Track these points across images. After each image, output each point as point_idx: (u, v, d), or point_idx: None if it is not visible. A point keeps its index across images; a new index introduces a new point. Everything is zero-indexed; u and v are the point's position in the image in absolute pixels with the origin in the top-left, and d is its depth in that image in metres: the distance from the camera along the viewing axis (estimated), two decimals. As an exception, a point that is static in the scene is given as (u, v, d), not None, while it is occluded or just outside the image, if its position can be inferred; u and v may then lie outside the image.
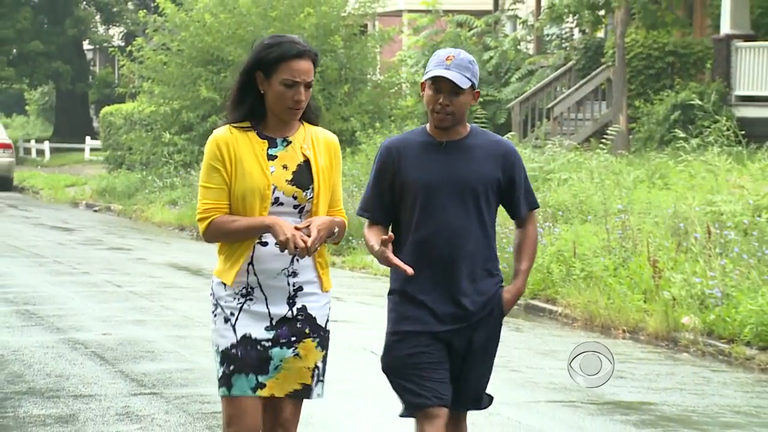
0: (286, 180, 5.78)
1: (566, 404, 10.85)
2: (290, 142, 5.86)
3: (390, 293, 6.13)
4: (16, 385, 10.79)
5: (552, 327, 15.61)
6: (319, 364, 5.87)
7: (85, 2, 49.89)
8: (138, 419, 10.17)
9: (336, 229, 5.86)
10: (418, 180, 5.96)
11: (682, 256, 14.93)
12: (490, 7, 34.71)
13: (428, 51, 30.67)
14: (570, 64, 30.38)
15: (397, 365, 6.04)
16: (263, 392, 5.81)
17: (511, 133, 27.87)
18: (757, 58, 25.75)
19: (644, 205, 18.20)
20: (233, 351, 5.77)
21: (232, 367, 5.76)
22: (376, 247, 5.89)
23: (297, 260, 5.81)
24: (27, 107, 62.40)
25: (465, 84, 5.89)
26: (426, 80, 5.93)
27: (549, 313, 16.40)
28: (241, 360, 5.76)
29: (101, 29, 51.94)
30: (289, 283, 5.80)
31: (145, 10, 37.27)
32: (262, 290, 5.81)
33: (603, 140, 24.76)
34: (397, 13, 36.40)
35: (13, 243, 22.34)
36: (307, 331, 5.82)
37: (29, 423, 9.50)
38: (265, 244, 5.75)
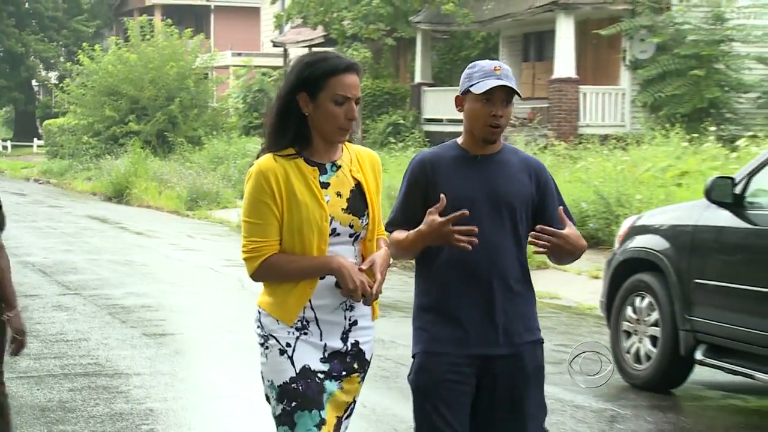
0: (342, 209, 3.35)
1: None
2: (339, 167, 3.39)
3: (421, 309, 3.63)
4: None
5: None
6: (357, 398, 3.56)
7: (33, 56, 49.59)
8: (66, 309, 9.76)
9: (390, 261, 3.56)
10: (456, 195, 3.51)
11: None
12: (282, 63, 35.51)
13: (247, 89, 31.89)
14: None
15: (426, 386, 3.55)
16: (325, 429, 3.39)
17: None
18: (435, 97, 25.61)
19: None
20: (293, 386, 3.34)
21: (294, 404, 3.34)
22: (424, 227, 3.42)
23: None
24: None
25: (519, 91, 3.54)
26: (474, 94, 3.49)
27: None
28: (303, 395, 3.34)
29: (43, 73, 51.56)
30: (345, 317, 3.42)
31: (71, 62, 37.94)
32: (318, 325, 3.38)
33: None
34: (226, 66, 36.28)
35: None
36: (355, 366, 3.47)
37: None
38: (322, 277, 3.35)
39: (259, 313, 3.40)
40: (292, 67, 3.34)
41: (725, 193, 6.48)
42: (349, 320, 3.40)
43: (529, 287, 3.62)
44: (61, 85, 33.73)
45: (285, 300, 3.32)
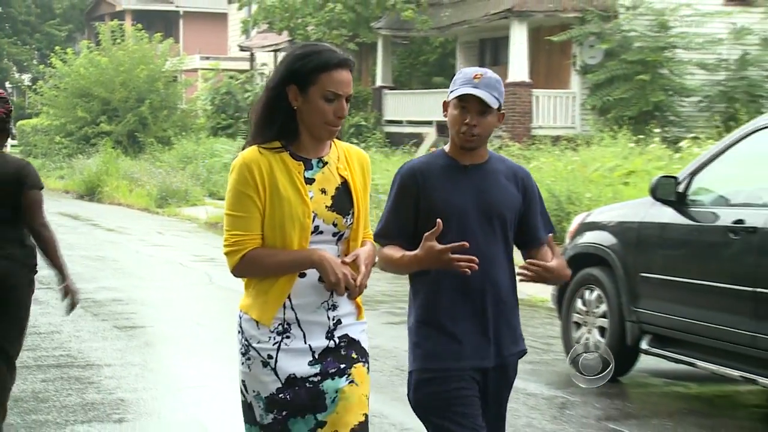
0: (326, 206, 3.05)
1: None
2: (326, 163, 3.09)
3: (416, 323, 3.38)
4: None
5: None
6: (369, 393, 3.16)
7: (6, 59, 49.03)
8: (39, 303, 9.24)
9: (376, 259, 3.25)
10: (448, 205, 3.30)
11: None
12: (248, 66, 35.31)
13: (215, 92, 31.71)
14: None
15: (431, 402, 3.32)
16: (325, 431, 3.07)
17: None
18: (395, 99, 25.92)
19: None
20: (281, 396, 3.03)
21: (285, 413, 3.04)
22: (422, 254, 3.16)
23: None
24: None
25: (494, 103, 3.30)
26: (452, 99, 3.31)
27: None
28: (293, 403, 3.04)
29: (17, 75, 50.98)
30: (329, 317, 3.08)
31: (43, 65, 37.59)
32: (300, 326, 3.05)
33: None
34: (195, 70, 36.18)
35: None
36: (354, 355, 3.12)
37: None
38: (302, 275, 3.04)
39: (240, 317, 3.09)
40: (284, 58, 3.06)
41: (669, 192, 6.53)
42: (333, 320, 3.08)
43: (516, 297, 3.44)
44: (34, 87, 33.62)
45: (264, 300, 3.02)
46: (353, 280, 2.98)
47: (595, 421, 6.03)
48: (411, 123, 24.79)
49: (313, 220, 3.01)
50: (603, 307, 7.08)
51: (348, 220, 3.07)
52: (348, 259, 3.01)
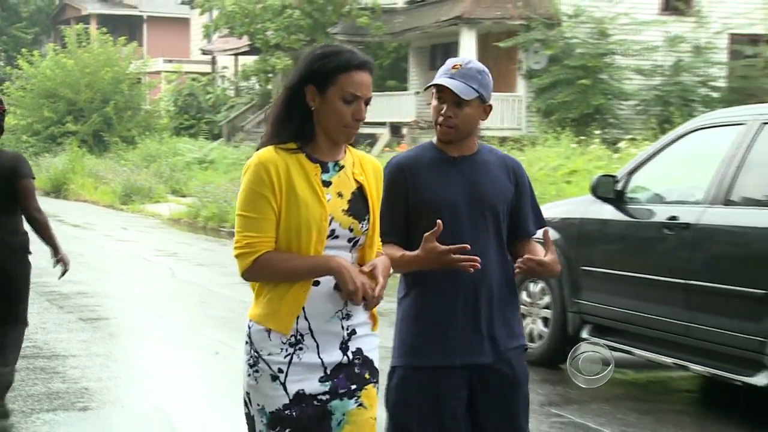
0: (343, 210, 2.77)
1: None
2: (342, 167, 2.82)
3: (404, 318, 3.13)
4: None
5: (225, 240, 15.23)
6: (376, 415, 2.86)
7: None
8: None
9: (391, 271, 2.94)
10: (438, 198, 3.06)
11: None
12: (210, 69, 35.03)
13: (177, 93, 31.56)
14: (254, 102, 30.24)
15: (408, 406, 3.05)
16: None
17: (221, 139, 28.60)
18: None
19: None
20: (287, 413, 2.74)
21: (288, 430, 2.74)
22: (423, 254, 2.93)
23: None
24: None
25: (469, 95, 3.00)
26: (431, 89, 3.08)
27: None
28: (297, 421, 2.74)
29: None
30: (343, 327, 2.78)
31: (10, 66, 37.06)
32: (313, 337, 2.75)
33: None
34: (158, 72, 35.78)
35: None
36: (367, 376, 2.82)
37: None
38: (317, 283, 2.74)
39: (250, 327, 2.77)
40: (304, 58, 2.79)
41: (608, 190, 6.57)
42: (347, 329, 2.78)
43: (512, 291, 3.16)
44: (1, 88, 32.92)
45: (278, 309, 2.72)
46: (371, 291, 2.70)
47: (538, 406, 6.04)
48: (366, 124, 24.63)
49: (330, 224, 2.73)
50: (546, 299, 7.11)
51: (363, 225, 2.80)
52: (366, 269, 2.74)
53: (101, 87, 29.54)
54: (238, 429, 5.45)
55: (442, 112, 3.04)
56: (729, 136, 6.01)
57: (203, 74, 33.96)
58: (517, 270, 3.06)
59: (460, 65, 3.03)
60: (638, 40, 20.73)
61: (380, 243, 2.92)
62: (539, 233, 3.19)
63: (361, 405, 2.79)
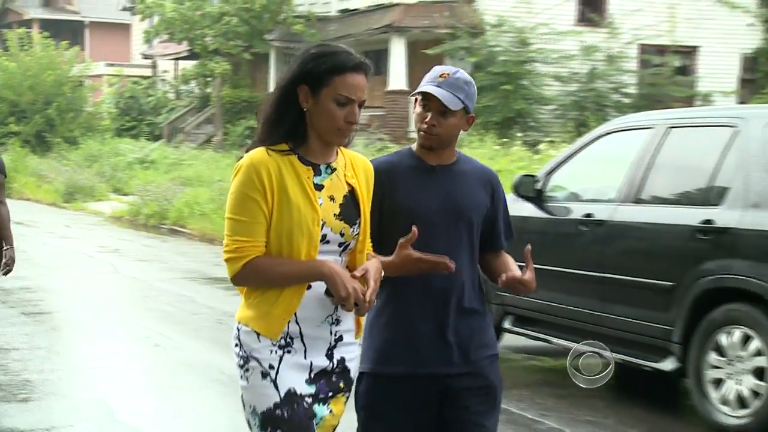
0: (335, 214, 2.58)
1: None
2: (334, 170, 2.62)
3: (373, 325, 2.90)
4: None
5: (182, 241, 15.22)
6: (339, 421, 2.73)
7: None
8: None
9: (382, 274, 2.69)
10: (413, 206, 2.84)
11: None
12: (151, 72, 34.52)
13: (119, 96, 31.01)
14: (193, 104, 29.54)
15: (376, 414, 2.86)
16: None
17: (162, 140, 28.08)
18: None
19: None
20: (278, 412, 2.54)
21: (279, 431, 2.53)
22: (397, 260, 2.72)
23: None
24: None
25: (455, 105, 2.82)
26: (416, 96, 2.86)
27: (180, 234, 15.92)
28: (289, 422, 2.54)
29: None
30: (331, 332, 2.62)
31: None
32: (302, 341, 2.58)
33: (210, 144, 25.65)
34: (100, 75, 34.95)
35: None
36: (341, 385, 2.67)
37: None
38: (308, 287, 2.56)
39: (239, 330, 2.59)
40: (298, 57, 2.57)
41: (529, 189, 6.65)
42: (335, 335, 2.61)
43: (483, 303, 2.98)
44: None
45: (269, 312, 2.53)
46: (362, 296, 2.49)
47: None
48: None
49: (321, 228, 2.53)
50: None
51: (354, 230, 2.61)
52: (357, 273, 2.53)
53: (44, 89, 28.98)
54: (179, 417, 5.42)
55: (426, 120, 2.84)
56: (639, 139, 6.12)
57: (144, 78, 33.39)
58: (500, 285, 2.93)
59: (448, 74, 2.85)
60: (556, 49, 20.98)
61: (370, 245, 2.74)
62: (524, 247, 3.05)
63: (330, 412, 2.65)
